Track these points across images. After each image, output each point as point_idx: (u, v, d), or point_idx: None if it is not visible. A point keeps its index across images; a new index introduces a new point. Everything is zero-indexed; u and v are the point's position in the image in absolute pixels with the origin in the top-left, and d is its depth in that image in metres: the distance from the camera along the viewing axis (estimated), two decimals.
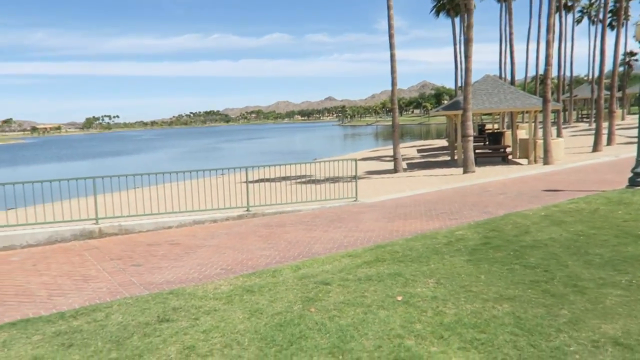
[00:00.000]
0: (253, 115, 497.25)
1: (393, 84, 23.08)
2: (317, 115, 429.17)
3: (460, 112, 21.62)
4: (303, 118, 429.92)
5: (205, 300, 5.73)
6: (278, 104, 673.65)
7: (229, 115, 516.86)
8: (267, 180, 11.82)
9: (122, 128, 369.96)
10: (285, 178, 13.37)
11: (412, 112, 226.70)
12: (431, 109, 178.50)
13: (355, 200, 12.79)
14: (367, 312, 4.95)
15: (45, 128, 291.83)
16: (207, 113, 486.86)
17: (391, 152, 24.55)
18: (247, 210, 11.67)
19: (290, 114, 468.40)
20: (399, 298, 5.30)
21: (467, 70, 20.84)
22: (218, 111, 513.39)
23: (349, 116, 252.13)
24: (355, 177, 13.02)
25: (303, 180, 18.53)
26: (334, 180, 16.60)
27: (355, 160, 13.46)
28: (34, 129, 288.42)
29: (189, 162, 53.28)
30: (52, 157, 74.32)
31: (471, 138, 20.37)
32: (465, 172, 19.91)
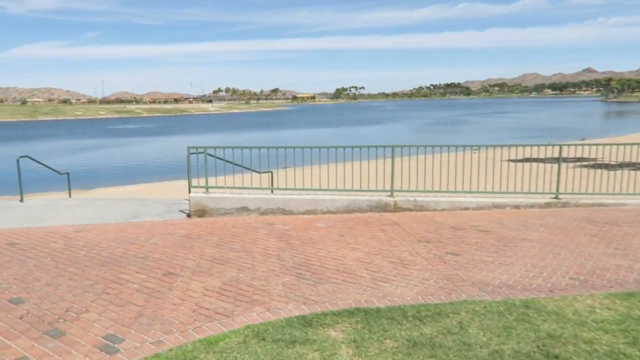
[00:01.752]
0: (496, 88, 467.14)
1: None
2: (572, 89, 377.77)
3: None
4: (554, 92, 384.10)
5: (589, 330, 4.09)
6: (524, 77, 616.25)
7: (469, 88, 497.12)
8: (534, 160, 9.52)
9: (365, 99, 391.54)
10: (557, 159, 10.58)
11: None
12: None
13: None
14: None
15: (303, 97, 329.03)
16: (447, 85, 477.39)
17: None
18: (556, 198, 9.51)
19: (538, 87, 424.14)
20: None
21: None
22: (458, 83, 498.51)
23: (615, 90, 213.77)
24: None
25: (586, 164, 15.08)
26: (634, 166, 12.80)
27: None
28: (294, 98, 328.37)
29: (437, 135, 52.05)
30: (327, 123, 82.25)
31: None
32: None
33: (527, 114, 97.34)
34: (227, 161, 8.99)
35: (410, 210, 9.10)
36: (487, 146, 10.50)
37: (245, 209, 8.75)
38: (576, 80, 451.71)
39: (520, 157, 10.88)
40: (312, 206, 8.88)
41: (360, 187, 9.13)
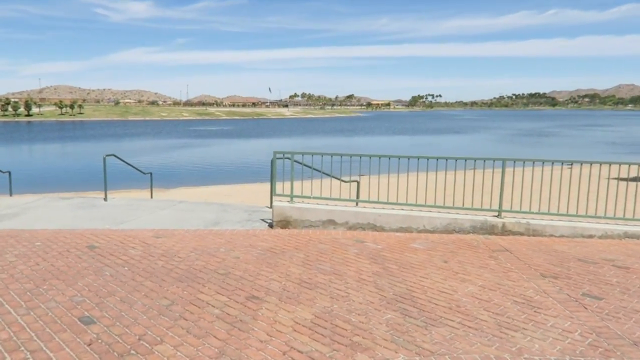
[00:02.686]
0: (585, 99, 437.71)
1: None
2: None
3: None
4: None
5: None
6: (619, 88, 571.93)
7: (555, 98, 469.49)
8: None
9: (442, 107, 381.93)
10: None
11: None
12: None
13: None
14: None
15: (378, 104, 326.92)
16: (531, 95, 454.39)
17: None
18: None
19: (635, 100, 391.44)
20: None
21: None
22: (544, 93, 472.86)
23: None
24: None
25: None
26: None
27: None
28: (368, 104, 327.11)
29: (527, 149, 48.86)
30: (402, 130, 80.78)
31: None
32: None
33: (625, 127, 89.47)
34: (314, 169, 8.23)
35: (521, 234, 7.84)
36: (601, 163, 8.93)
37: (332, 222, 7.93)
38: None
39: (631, 175, 9.08)
40: (406, 223, 7.89)
41: (463, 204, 7.99)
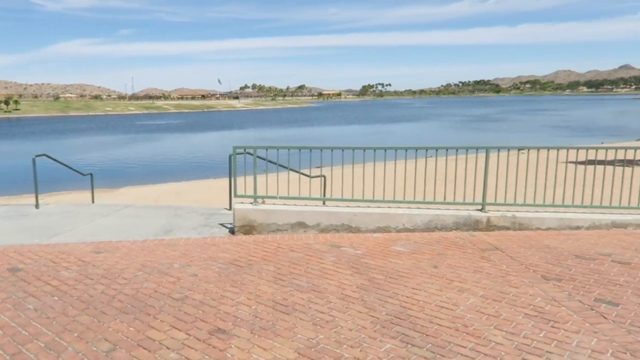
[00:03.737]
0: (527, 85, 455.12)
1: None
2: (609, 87, 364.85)
3: None
4: (589, 90, 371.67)
5: None
6: (557, 74, 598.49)
7: (499, 85, 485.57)
8: (599, 162, 7.37)
9: (392, 96, 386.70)
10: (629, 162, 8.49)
11: None
12: None
13: None
14: None
15: (329, 94, 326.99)
16: (476, 82, 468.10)
17: None
18: None
19: (572, 85, 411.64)
20: None
21: None
22: (488, 80, 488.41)
23: None
24: None
25: None
26: None
27: None
28: (320, 94, 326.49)
29: (482, 134, 49.60)
30: (356, 119, 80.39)
31: None
32: None
33: (566, 112, 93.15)
34: (280, 165, 7.29)
35: (507, 228, 7.23)
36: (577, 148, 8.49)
37: (302, 225, 7.03)
38: (612, 77, 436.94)
39: (580, 159, 8.60)
40: (384, 222, 7.11)
41: (444, 198, 7.30)
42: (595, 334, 3.99)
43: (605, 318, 4.29)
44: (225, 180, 9.25)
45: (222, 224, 7.58)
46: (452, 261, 5.84)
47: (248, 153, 7.36)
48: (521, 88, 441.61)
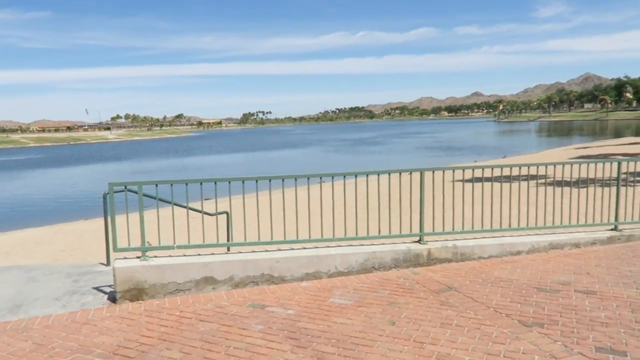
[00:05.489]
0: (397, 111, 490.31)
1: None
2: (465, 111, 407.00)
3: None
4: (450, 114, 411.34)
5: None
6: (421, 100, 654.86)
7: (372, 111, 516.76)
8: (487, 180, 7.11)
9: (273, 123, 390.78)
10: (511, 178, 8.55)
11: (583, 106, 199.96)
12: (611, 103, 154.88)
13: None
14: None
15: (209, 123, 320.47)
16: (352, 109, 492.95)
17: (614, 149, 18.04)
18: (615, 230, 7.30)
19: (435, 110, 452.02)
20: None
21: None
22: (362, 107, 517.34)
23: (506, 112, 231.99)
24: None
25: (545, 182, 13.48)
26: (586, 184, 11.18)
27: None
28: (199, 123, 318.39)
29: (367, 157, 50.75)
30: (241, 147, 77.94)
31: None
32: None
33: (435, 134, 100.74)
34: (175, 204, 5.61)
35: (448, 260, 6.32)
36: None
37: (209, 281, 5.41)
38: (467, 102, 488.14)
39: (467, 177, 8.21)
40: (313, 267, 5.78)
41: (379, 232, 6.18)
42: None
43: None
44: (100, 222, 7.28)
45: (97, 288, 5.65)
46: (410, 312, 4.68)
47: (130, 191, 5.58)
48: (392, 114, 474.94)
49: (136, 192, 5.50)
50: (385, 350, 3.88)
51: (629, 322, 4.31)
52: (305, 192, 5.86)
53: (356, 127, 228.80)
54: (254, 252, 5.81)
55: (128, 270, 5.19)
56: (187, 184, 5.60)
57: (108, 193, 5.48)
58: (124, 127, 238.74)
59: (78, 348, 4.05)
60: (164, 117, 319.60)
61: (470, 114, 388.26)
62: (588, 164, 7.36)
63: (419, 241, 6.38)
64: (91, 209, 18.48)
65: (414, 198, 6.26)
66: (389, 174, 6.25)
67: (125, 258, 5.48)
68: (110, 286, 5.53)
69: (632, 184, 7.82)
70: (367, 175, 6.23)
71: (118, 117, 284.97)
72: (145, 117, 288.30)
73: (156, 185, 5.52)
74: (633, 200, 7.33)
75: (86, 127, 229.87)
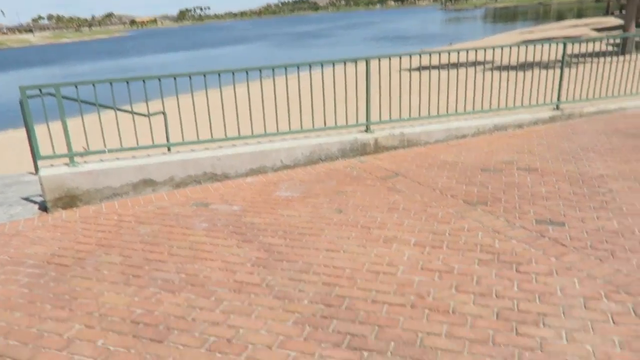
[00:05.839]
0: (342, 2, 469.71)
1: None
2: (412, 0, 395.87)
3: None
4: (396, 3, 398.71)
5: None
6: None
7: (317, 3, 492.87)
8: (434, 67, 6.91)
9: (212, 19, 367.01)
10: (467, 64, 8.54)
11: None
12: None
13: None
14: None
15: (143, 21, 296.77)
16: (295, 2, 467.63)
17: (557, 32, 18.28)
18: (557, 109, 7.43)
19: (382, 0, 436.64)
20: None
21: None
22: None
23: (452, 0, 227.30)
24: None
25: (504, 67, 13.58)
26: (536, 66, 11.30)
27: None
28: (132, 22, 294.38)
29: (314, 50, 49.05)
30: (182, 46, 73.32)
31: None
32: None
33: (382, 25, 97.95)
34: (100, 105, 5.08)
35: (395, 148, 6.27)
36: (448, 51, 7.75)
37: (148, 183, 5.13)
38: None
39: (413, 66, 7.97)
40: (257, 162, 5.57)
41: (325, 123, 5.96)
42: (570, 272, 3.17)
43: (564, 245, 3.52)
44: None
45: (27, 198, 5.26)
46: (357, 200, 4.64)
47: (49, 94, 4.99)
48: (337, 5, 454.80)
49: (54, 95, 4.93)
50: (332, 238, 3.85)
51: (568, 195, 4.46)
52: (245, 89, 5.46)
53: (300, 20, 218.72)
54: (194, 151, 5.50)
55: (56, 178, 4.79)
56: (111, 83, 5.04)
57: (22, 99, 4.86)
58: (48, 29, 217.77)
59: (8, 260, 3.79)
60: (92, 17, 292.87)
61: (417, 2, 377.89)
62: (535, 45, 7.22)
63: (365, 130, 6.24)
64: (20, 118, 17.13)
65: (359, 88, 6.00)
66: (333, 64, 5.90)
67: (52, 166, 5.05)
68: (40, 195, 5.15)
69: (575, 65, 7.82)
70: (310, 66, 5.83)
71: (40, 18, 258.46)
72: (71, 18, 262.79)
73: (76, 87, 4.94)
74: (575, 80, 7.38)
75: (4, 30, 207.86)
